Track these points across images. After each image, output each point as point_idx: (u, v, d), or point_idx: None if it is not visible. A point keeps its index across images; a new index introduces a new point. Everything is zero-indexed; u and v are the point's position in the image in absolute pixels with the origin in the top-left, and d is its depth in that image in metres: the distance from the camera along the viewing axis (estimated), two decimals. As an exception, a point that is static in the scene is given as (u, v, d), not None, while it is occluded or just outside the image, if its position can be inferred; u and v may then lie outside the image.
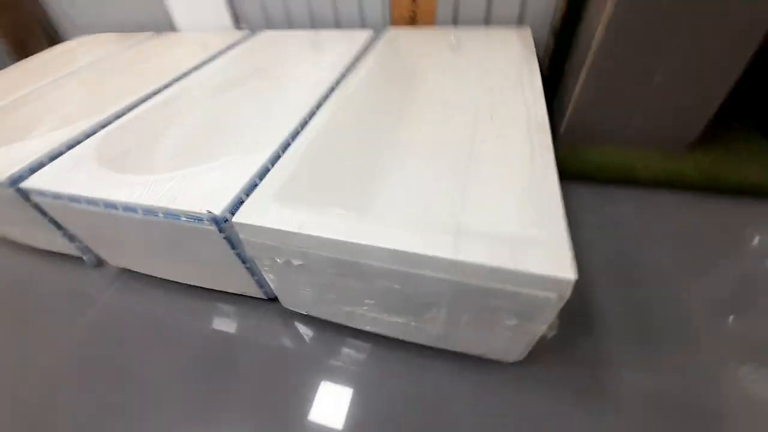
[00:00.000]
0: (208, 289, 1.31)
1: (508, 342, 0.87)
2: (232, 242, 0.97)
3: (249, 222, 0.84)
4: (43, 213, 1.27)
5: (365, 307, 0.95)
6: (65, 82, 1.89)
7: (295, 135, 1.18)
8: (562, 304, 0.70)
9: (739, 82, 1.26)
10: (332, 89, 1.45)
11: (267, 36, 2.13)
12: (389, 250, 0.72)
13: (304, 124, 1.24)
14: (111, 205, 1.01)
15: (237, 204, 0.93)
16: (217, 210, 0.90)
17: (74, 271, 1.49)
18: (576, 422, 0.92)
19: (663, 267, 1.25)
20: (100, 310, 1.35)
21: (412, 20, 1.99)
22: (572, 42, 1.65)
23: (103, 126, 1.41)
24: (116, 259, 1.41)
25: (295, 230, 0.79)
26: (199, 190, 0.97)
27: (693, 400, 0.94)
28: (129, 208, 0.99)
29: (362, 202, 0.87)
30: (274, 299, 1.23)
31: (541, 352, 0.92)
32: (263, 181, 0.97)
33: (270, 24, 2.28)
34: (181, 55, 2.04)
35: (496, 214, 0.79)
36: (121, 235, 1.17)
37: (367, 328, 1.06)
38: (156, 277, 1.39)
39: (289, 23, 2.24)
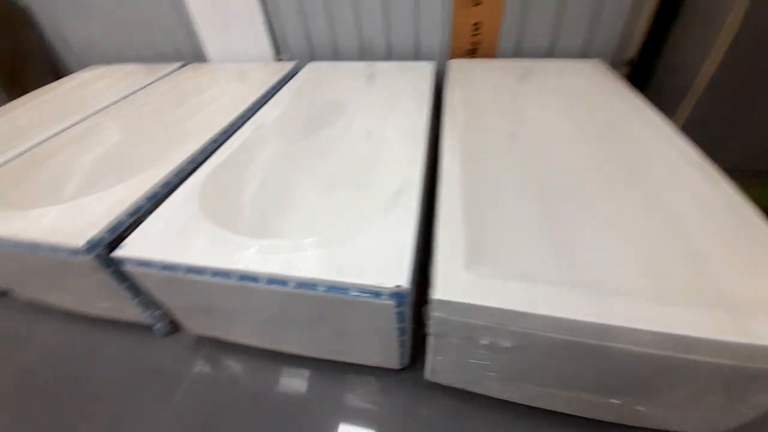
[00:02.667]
0: (313, 358, 1.15)
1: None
2: (404, 316, 0.84)
3: (460, 300, 0.72)
4: (123, 280, 1.07)
5: (561, 388, 0.84)
6: (102, 120, 1.68)
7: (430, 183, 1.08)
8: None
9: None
10: (430, 129, 1.37)
11: (317, 67, 2.02)
12: (658, 334, 0.63)
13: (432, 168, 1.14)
14: (250, 278, 0.85)
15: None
16: (403, 282, 0.77)
17: (144, 341, 1.28)
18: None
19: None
20: (192, 385, 1.15)
21: (472, 53, 1.96)
22: (651, 73, 1.67)
23: (181, 174, 1.24)
24: (200, 327, 1.21)
25: (529, 310, 0.68)
26: (366, 259, 0.84)
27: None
28: (277, 280, 0.83)
29: (576, 268, 0.77)
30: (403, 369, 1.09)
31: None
32: (439, 244, 0.85)
33: (314, 55, 2.18)
34: (234, 88, 1.89)
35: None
36: (233, 305, 0.99)
37: (538, 404, 0.95)
38: (244, 345, 1.21)
39: (335, 54, 2.15)
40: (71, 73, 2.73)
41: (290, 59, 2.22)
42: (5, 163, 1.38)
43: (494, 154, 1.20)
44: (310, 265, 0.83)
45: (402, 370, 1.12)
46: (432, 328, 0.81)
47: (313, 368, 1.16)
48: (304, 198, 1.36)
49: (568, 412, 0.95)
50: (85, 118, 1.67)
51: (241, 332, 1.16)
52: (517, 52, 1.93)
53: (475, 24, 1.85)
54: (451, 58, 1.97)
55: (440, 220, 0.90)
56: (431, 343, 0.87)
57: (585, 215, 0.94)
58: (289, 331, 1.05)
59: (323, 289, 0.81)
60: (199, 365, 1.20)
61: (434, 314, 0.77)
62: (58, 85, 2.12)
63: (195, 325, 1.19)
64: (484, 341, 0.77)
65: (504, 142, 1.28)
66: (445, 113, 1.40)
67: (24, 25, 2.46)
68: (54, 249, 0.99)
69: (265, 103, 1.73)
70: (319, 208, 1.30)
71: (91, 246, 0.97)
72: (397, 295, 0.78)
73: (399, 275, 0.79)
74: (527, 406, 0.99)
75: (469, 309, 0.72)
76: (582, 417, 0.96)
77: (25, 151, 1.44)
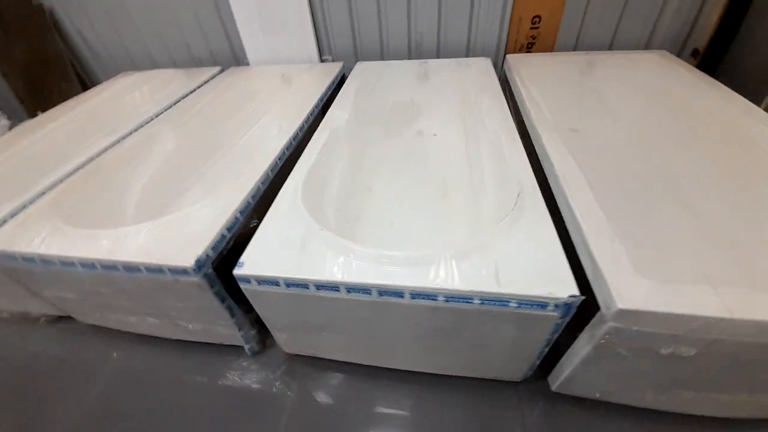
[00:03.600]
0: (419, 372, 1.09)
1: None
2: (560, 327, 0.78)
3: (650, 309, 0.66)
4: (223, 300, 1.00)
5: (723, 391, 0.79)
6: (156, 131, 1.59)
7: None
8: None
9: None
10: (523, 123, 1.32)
11: (368, 67, 1.96)
12: None
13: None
14: (392, 293, 0.79)
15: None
16: (575, 291, 0.71)
17: (233, 362, 1.20)
18: None
19: None
20: (298, 410, 1.08)
21: (529, 47, 1.90)
22: (722, 63, 1.62)
23: (266, 182, 1.17)
24: (296, 346, 1.14)
25: (727, 315, 0.63)
26: (518, 267, 0.77)
27: None
28: (424, 294, 0.77)
29: (742, 266, 0.72)
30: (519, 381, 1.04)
31: None
32: (594, 250, 0.78)
33: (361, 55, 2.11)
34: (290, 91, 1.82)
35: None
36: (359, 320, 0.92)
37: (690, 410, 0.89)
38: (337, 361, 1.14)
39: (383, 53, 2.09)
40: (95, 79, 2.66)
41: (334, 60, 2.16)
42: (65, 177, 1.29)
43: (602, 151, 1.14)
44: (456, 276, 0.77)
45: (519, 382, 1.06)
46: (601, 339, 0.74)
47: (420, 383, 1.10)
48: (420, 203, 1.27)
49: (719, 415, 0.90)
50: (136, 129, 1.59)
51: (344, 348, 1.09)
52: (577, 45, 1.88)
53: (535, 17, 1.80)
54: (507, 53, 1.92)
55: (584, 224, 0.84)
56: (582, 353, 0.81)
57: (726, 210, 0.89)
58: (408, 346, 0.99)
59: (478, 301, 0.75)
60: (296, 385, 1.13)
61: (612, 325, 0.71)
62: (95, 95, 2.02)
63: (292, 343, 1.12)
64: (665, 351, 0.71)
65: (603, 138, 1.22)
66: (528, 110, 1.35)
67: (47, 29, 2.36)
68: (156, 269, 0.92)
69: (323, 105, 1.67)
70: (440, 216, 1.21)
71: (199, 265, 0.89)
72: (565, 305, 0.72)
73: (566, 284, 0.73)
74: (666, 412, 0.93)
75: (658, 318, 0.66)
76: (735, 418, 0.90)
77: (82, 166, 1.35)
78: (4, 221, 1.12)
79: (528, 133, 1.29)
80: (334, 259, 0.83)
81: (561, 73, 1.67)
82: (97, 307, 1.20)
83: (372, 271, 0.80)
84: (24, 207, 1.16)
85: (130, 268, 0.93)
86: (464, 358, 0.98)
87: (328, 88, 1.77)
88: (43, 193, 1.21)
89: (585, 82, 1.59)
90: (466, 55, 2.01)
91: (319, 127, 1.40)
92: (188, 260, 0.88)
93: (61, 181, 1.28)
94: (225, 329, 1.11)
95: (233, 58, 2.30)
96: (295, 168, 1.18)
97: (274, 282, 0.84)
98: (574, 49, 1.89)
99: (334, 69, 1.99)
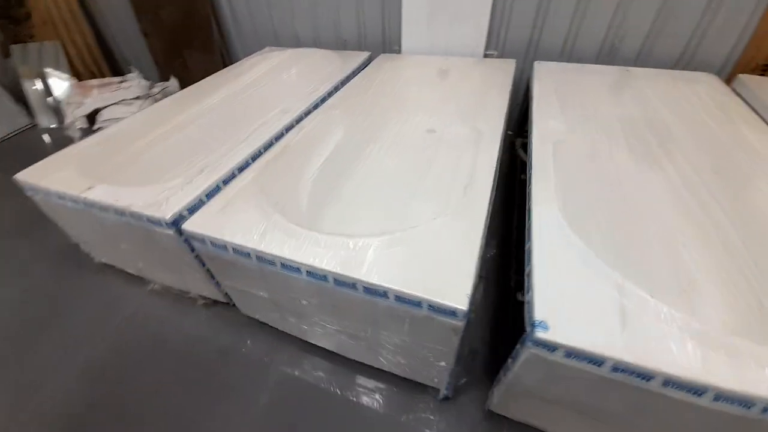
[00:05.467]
0: None
1: None
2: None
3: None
4: (460, 345, 0.81)
5: None
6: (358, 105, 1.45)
7: None
8: None
9: None
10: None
11: (556, 69, 1.66)
12: None
13: None
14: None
15: None
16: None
17: (424, 402, 1.02)
18: None
19: None
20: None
21: (766, 69, 1.52)
22: None
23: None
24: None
25: None
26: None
27: None
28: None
29: None
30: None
31: None
32: None
33: (535, 53, 1.84)
34: (472, 83, 1.62)
35: None
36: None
37: None
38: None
39: (565, 54, 1.80)
40: (232, 51, 2.63)
41: (500, 56, 1.91)
42: (255, 156, 1.18)
43: None
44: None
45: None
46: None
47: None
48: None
49: None
50: (309, 110, 1.47)
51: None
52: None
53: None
54: (737, 72, 1.55)
55: None
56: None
57: None
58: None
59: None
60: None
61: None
62: (250, 67, 1.95)
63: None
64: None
65: None
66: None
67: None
68: (415, 303, 0.74)
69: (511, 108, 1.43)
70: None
71: (467, 312, 0.70)
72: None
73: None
74: None
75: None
76: None
77: (267, 146, 1.24)
78: (200, 201, 1.02)
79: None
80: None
81: None
82: (278, 309, 1.07)
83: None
84: (218, 187, 1.05)
85: (377, 292, 0.76)
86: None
87: (513, 88, 1.54)
88: (233, 175, 1.11)
89: None
90: (674, 67, 1.66)
91: (534, 138, 1.17)
92: (461, 302, 0.69)
93: (252, 159, 1.17)
94: (430, 371, 0.93)
95: (382, 43, 2.13)
96: (535, 191, 0.94)
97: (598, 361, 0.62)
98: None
99: (507, 67, 1.74)
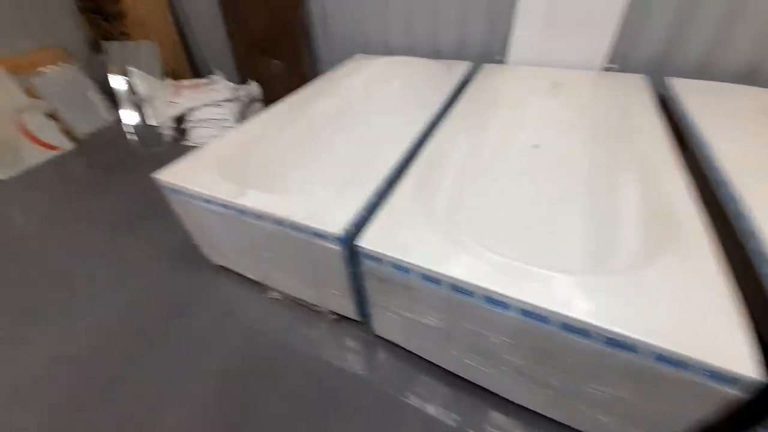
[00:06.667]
0: None
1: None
2: None
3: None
4: None
5: None
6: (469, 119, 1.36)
7: None
8: None
9: None
10: None
11: (706, 89, 1.50)
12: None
13: None
14: None
15: None
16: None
17: None
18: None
19: None
20: None
21: None
22: None
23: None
24: None
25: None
26: None
27: None
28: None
29: None
30: None
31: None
32: None
33: (669, 68, 1.69)
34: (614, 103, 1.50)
35: None
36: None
37: None
38: None
39: (702, 69, 1.64)
40: (318, 58, 2.59)
41: (622, 70, 1.78)
42: (401, 167, 1.10)
43: None
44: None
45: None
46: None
47: None
48: None
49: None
50: (435, 121, 1.38)
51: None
52: None
53: None
54: None
55: None
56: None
57: None
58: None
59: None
60: None
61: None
62: (348, 74, 1.90)
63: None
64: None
65: None
66: None
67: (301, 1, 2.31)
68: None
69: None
70: None
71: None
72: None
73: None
74: None
75: None
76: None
77: (408, 157, 1.16)
78: (363, 216, 0.93)
79: None
80: None
81: None
82: (440, 338, 0.95)
83: None
84: (376, 202, 0.97)
85: (623, 345, 0.64)
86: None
87: (656, 109, 1.40)
88: (384, 188, 1.03)
89: None
90: (750, 82, 1.48)
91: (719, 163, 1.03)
92: (748, 367, 0.57)
93: (396, 172, 1.09)
94: None
95: (482, 53, 2.04)
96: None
97: None
98: None
99: (638, 83, 1.61)
